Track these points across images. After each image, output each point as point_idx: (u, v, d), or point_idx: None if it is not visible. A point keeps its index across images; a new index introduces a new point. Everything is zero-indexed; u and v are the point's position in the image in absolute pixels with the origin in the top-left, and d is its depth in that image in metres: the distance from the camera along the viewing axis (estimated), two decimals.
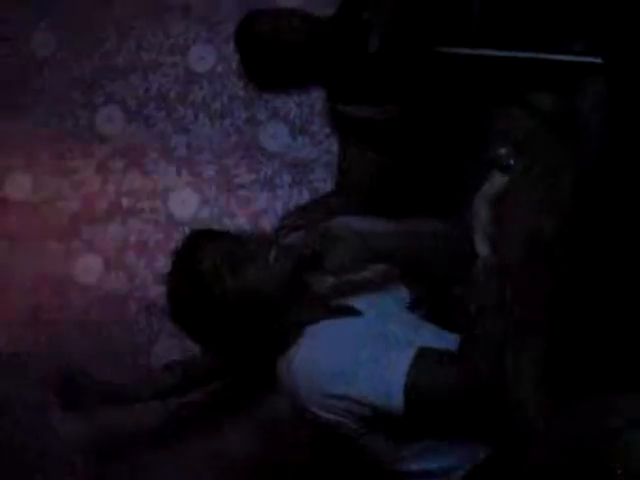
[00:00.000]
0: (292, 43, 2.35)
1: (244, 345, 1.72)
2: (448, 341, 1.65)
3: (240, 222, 2.79)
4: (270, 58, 2.39)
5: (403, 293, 1.86)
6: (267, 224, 2.79)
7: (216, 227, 2.68)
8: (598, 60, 2.00)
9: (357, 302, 1.77)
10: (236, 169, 2.86)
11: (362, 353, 1.58)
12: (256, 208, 2.84)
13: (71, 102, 2.91)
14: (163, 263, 2.78)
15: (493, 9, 2.15)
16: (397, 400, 1.54)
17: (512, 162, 1.69)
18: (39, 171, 2.90)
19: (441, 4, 2.19)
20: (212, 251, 1.68)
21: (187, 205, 2.85)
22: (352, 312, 1.72)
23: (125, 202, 2.87)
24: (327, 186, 2.81)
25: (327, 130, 2.77)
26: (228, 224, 2.71)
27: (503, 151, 1.74)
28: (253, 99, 2.87)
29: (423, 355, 1.56)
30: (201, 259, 1.68)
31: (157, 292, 2.74)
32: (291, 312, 1.69)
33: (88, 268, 2.85)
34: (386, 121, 2.32)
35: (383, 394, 1.54)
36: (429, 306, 1.88)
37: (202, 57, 2.90)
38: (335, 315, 1.71)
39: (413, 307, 1.84)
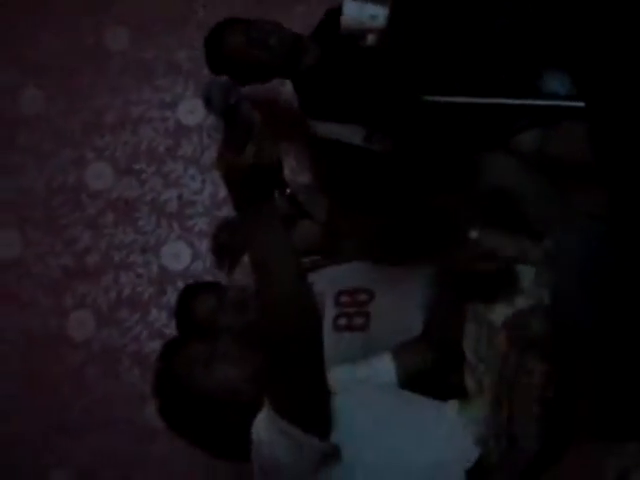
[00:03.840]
0: (261, 60, 2.32)
1: (230, 441, 1.68)
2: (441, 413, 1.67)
3: None
4: (235, 67, 2.37)
5: (390, 370, 1.86)
6: None
7: (209, 279, 2.74)
8: (581, 104, 2.03)
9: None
10: None
11: None
12: None
13: (60, 159, 2.92)
14: (156, 317, 2.80)
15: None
16: None
17: None
18: (30, 228, 2.90)
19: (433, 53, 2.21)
20: (185, 355, 1.73)
21: (179, 258, 2.85)
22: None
23: (117, 256, 2.88)
24: None
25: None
26: (221, 277, 2.70)
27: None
28: None
29: None
30: (175, 364, 1.72)
31: (151, 347, 2.75)
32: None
33: (81, 324, 2.83)
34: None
35: None
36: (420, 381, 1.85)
37: (191, 111, 2.92)
38: None
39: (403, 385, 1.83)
